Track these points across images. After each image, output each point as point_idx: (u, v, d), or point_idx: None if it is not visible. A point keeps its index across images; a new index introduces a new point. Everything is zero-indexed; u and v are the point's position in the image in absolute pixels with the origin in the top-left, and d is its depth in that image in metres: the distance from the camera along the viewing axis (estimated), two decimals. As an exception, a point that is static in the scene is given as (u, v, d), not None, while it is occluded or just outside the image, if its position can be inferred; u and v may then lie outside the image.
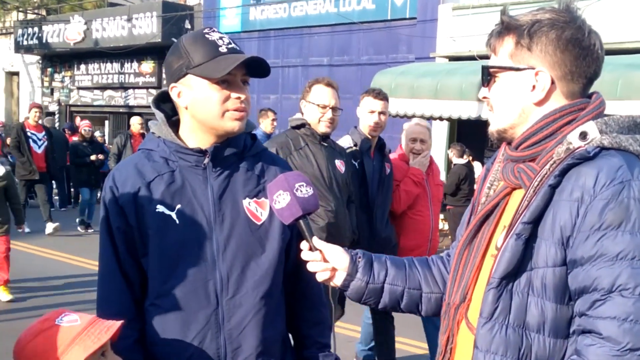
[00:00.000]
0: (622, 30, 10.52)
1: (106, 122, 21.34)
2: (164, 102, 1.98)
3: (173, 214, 1.85)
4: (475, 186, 1.74)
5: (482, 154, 12.59)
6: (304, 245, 1.76)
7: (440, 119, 11.51)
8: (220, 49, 1.80)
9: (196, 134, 1.89)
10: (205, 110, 1.83)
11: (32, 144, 11.02)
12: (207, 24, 17.81)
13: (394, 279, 1.79)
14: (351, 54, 15.52)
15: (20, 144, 10.90)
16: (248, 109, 1.87)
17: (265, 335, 1.88)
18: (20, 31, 22.16)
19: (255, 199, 1.89)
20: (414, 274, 1.82)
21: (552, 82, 1.54)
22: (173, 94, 1.88)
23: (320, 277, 1.76)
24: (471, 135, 12.33)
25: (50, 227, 10.56)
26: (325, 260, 1.75)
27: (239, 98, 1.82)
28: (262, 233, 1.90)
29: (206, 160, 1.88)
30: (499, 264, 1.48)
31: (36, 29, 21.69)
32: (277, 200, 1.73)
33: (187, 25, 18.26)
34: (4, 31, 24.13)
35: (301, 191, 1.72)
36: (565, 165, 1.45)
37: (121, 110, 20.74)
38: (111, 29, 19.41)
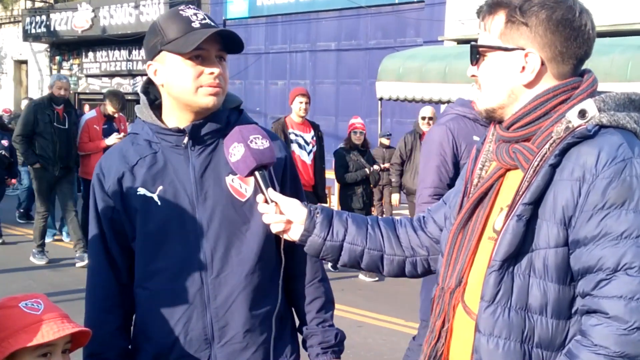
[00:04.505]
0: (632, 11, 10.41)
1: (115, 109, 21.39)
2: (151, 86, 1.99)
3: (154, 196, 1.85)
4: (466, 167, 1.71)
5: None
6: (259, 197, 1.76)
7: (449, 102, 11.44)
8: (193, 24, 1.80)
9: (175, 113, 1.89)
10: (178, 86, 1.83)
11: (297, 150, 7.17)
12: (214, 10, 17.76)
13: (354, 238, 1.77)
14: (359, 39, 15.43)
15: None
16: (223, 85, 1.85)
17: (253, 313, 1.88)
18: (28, 19, 22.18)
19: (239, 175, 1.86)
20: (375, 234, 1.79)
21: (542, 64, 1.51)
22: (150, 72, 1.88)
23: (274, 229, 1.76)
24: (480, 119, 12.30)
25: None
26: (281, 213, 1.74)
27: (212, 73, 1.81)
28: (246, 210, 1.89)
29: (186, 140, 1.87)
30: (500, 246, 1.47)
31: (44, 17, 21.70)
32: (232, 153, 1.72)
33: (194, 12, 18.21)
34: (12, 20, 24.15)
35: (256, 143, 1.71)
36: (565, 144, 1.44)
37: (129, 97, 20.75)
38: (119, 16, 19.40)
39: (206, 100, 1.83)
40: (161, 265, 1.86)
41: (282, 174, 1.97)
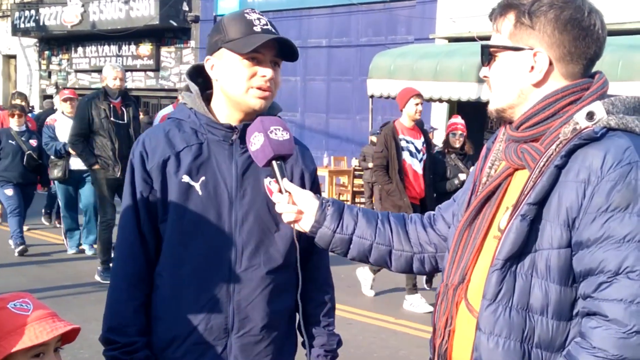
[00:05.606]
0: (623, 10, 10.45)
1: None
2: (198, 76, 2.05)
3: (197, 185, 1.91)
4: (476, 165, 1.73)
5: (482, 135, 12.56)
6: (274, 187, 1.83)
7: (440, 100, 11.46)
8: (254, 28, 1.88)
9: (226, 109, 1.96)
10: (231, 83, 1.91)
11: (408, 159, 6.36)
12: (205, 5, 17.68)
13: (363, 232, 1.80)
14: (350, 36, 15.41)
15: (390, 160, 6.26)
16: (273, 89, 1.93)
17: (272, 309, 1.95)
18: (17, 14, 22.01)
19: (275, 178, 1.93)
20: (385, 229, 1.82)
21: (550, 63, 1.52)
22: (207, 66, 1.97)
23: (285, 218, 1.80)
24: (471, 117, 12.27)
25: None
26: (293, 203, 1.78)
27: (264, 76, 1.88)
28: (278, 213, 1.94)
29: (234, 137, 1.94)
30: (504, 245, 1.47)
31: (33, 12, 21.54)
32: (253, 142, 1.78)
33: (185, 7, 18.11)
34: (1, 14, 23.97)
35: (275, 134, 1.77)
36: (572, 146, 1.44)
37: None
38: (108, 12, 19.28)
39: (254, 101, 1.91)
40: (192, 252, 1.91)
41: (310, 186, 2.03)
